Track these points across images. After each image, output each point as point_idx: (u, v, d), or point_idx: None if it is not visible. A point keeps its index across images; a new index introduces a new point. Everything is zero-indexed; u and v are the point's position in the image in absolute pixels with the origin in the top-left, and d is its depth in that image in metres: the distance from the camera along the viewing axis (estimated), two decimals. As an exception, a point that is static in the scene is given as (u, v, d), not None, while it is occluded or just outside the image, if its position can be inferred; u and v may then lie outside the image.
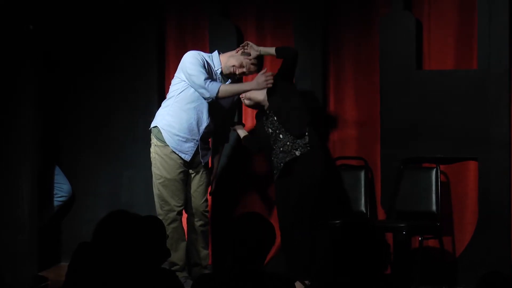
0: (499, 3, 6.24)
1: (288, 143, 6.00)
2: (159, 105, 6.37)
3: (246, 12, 6.94)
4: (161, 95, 6.91)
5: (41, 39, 6.58)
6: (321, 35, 6.70)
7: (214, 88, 5.98)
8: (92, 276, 3.95)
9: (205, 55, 6.16)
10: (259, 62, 6.18)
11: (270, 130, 6.07)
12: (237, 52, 6.16)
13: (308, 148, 5.97)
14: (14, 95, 6.29)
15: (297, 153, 5.97)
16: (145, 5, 7.06)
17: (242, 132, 6.31)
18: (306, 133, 5.98)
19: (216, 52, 6.22)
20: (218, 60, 6.17)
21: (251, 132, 6.38)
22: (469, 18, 6.42)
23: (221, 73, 6.17)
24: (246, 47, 6.13)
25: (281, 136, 6.03)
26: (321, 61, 6.71)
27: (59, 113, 7.28)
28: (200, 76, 5.99)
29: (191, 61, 6.06)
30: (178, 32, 7.08)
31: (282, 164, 6.00)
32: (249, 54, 6.12)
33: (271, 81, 5.94)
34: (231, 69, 6.13)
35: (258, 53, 6.12)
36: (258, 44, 6.81)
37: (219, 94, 6.00)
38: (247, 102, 6.22)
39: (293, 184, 5.98)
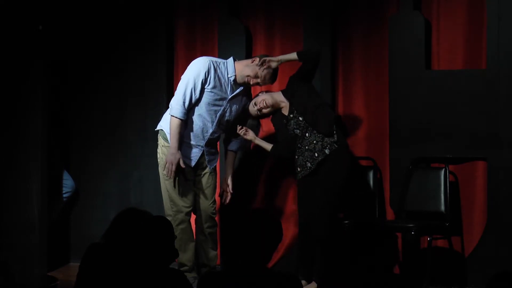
0: (508, 3, 6.23)
1: (315, 141, 5.96)
2: (168, 106, 6.36)
3: (255, 11, 6.94)
4: (170, 96, 6.89)
5: (50, 40, 6.59)
6: (330, 35, 6.69)
7: (175, 112, 5.98)
8: (102, 276, 3.96)
9: (220, 62, 6.13)
10: (274, 74, 6.14)
11: (298, 131, 6.04)
12: (252, 62, 6.10)
13: (336, 146, 5.96)
14: (23, 96, 6.31)
15: (327, 151, 5.94)
16: (155, 6, 7.07)
17: (265, 144, 6.18)
18: (334, 131, 5.97)
19: (231, 59, 6.16)
20: (233, 68, 6.12)
21: (274, 139, 6.27)
22: (478, 17, 6.41)
23: (234, 80, 6.15)
24: (265, 64, 6.00)
25: (307, 134, 6.00)
26: (330, 61, 6.70)
27: (69, 113, 7.30)
28: (186, 94, 6.00)
29: (192, 73, 6.04)
30: (188, 32, 7.09)
31: (310, 163, 5.93)
32: (271, 67, 6.04)
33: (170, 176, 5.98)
34: (246, 79, 6.09)
35: (279, 63, 6.02)
36: (267, 45, 6.81)
37: (171, 121, 6.00)
38: (265, 111, 6.13)
39: (319, 182, 5.95)
